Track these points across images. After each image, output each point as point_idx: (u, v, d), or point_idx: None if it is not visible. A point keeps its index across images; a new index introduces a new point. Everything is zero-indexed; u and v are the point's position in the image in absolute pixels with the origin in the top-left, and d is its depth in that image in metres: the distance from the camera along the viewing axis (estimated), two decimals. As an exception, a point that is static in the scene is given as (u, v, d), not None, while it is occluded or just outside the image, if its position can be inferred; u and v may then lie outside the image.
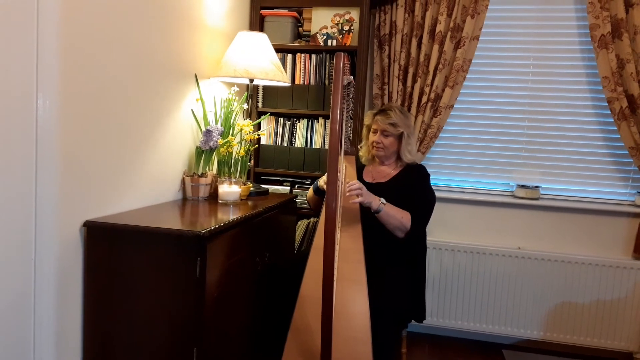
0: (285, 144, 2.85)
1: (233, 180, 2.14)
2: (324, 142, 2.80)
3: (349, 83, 1.82)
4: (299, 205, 2.68)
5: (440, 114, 2.74)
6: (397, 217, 1.97)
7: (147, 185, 1.92)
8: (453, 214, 2.93)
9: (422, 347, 2.83)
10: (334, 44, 2.75)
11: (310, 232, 2.76)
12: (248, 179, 2.42)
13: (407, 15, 2.75)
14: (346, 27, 2.75)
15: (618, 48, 2.55)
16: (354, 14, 2.74)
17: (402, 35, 2.76)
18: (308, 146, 2.82)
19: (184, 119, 2.16)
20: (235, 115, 2.33)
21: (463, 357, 2.74)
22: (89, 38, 1.54)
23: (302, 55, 2.79)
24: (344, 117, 1.97)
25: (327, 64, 2.76)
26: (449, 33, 2.69)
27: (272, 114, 2.86)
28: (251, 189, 2.35)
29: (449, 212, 2.93)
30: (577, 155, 2.81)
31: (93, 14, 1.55)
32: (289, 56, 2.81)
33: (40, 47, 1.38)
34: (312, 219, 2.77)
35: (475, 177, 2.96)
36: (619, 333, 2.69)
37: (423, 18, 2.74)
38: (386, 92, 2.83)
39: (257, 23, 2.80)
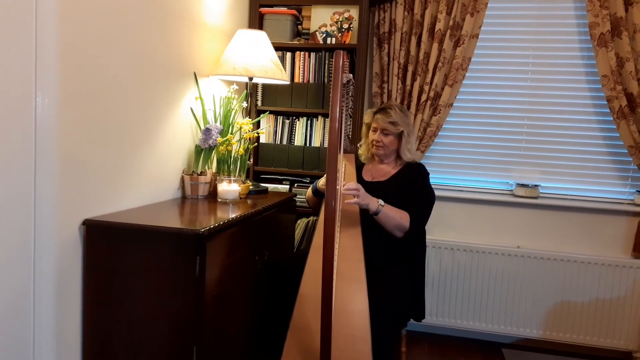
0: (284, 142, 2.85)
1: (232, 178, 2.14)
2: (324, 140, 2.80)
3: (348, 81, 1.81)
4: (298, 203, 2.68)
5: (439, 113, 2.74)
6: (396, 217, 1.97)
7: (147, 183, 1.91)
8: (452, 213, 2.93)
9: (421, 346, 2.83)
10: (333, 42, 2.75)
11: (309, 231, 2.76)
12: (247, 177, 2.41)
13: (406, 13, 2.75)
14: (345, 25, 2.74)
15: (617, 46, 2.55)
16: (354, 12, 2.74)
17: (402, 34, 2.76)
18: (307, 144, 2.81)
19: (183, 117, 2.15)
20: (235, 113, 2.33)
21: (462, 356, 2.74)
22: (88, 37, 1.54)
23: (302, 53, 2.79)
24: (344, 116, 1.96)
25: (327, 62, 2.76)
26: (449, 31, 2.69)
27: (271, 112, 2.86)
28: (250, 187, 2.35)
29: (449, 210, 2.93)
30: (577, 154, 2.81)
31: (92, 12, 1.54)
32: (288, 54, 2.80)
33: (39, 47, 1.37)
34: (311, 218, 2.77)
35: (474, 175, 2.96)
36: (618, 332, 2.70)
37: (422, 16, 2.74)
38: (385, 90, 2.82)
39: (256, 21, 2.80)
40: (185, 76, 2.15)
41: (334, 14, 2.76)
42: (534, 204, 2.84)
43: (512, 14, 2.83)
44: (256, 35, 2.34)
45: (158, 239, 1.53)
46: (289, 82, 2.64)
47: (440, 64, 2.70)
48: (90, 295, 1.59)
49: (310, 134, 2.81)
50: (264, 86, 2.84)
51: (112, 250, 1.56)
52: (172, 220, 1.70)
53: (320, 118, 2.80)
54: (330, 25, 2.77)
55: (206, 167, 2.20)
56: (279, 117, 2.87)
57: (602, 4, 2.54)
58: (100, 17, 1.58)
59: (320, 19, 2.78)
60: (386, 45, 2.80)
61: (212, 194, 2.19)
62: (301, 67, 2.79)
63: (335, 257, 1.42)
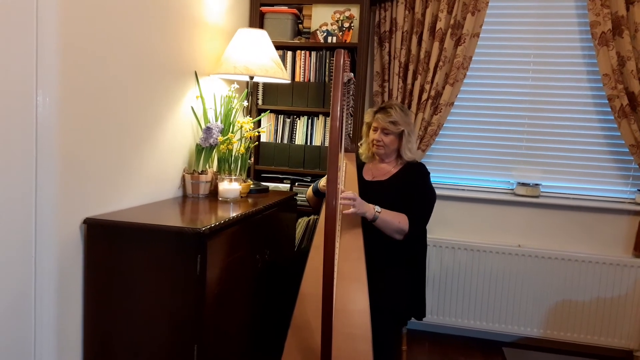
0: (285, 141, 2.85)
1: (233, 177, 2.14)
2: (324, 139, 2.80)
3: (349, 80, 1.81)
4: (299, 202, 2.68)
5: (440, 112, 2.74)
6: (394, 222, 1.97)
7: (147, 182, 1.91)
8: (453, 212, 2.93)
9: (422, 345, 2.83)
10: (334, 41, 2.75)
11: (310, 230, 2.76)
12: (248, 176, 2.42)
13: (407, 12, 2.75)
14: (346, 24, 2.74)
15: (619, 45, 2.55)
16: (354, 11, 2.73)
17: (403, 33, 2.75)
18: (308, 144, 2.81)
19: (184, 116, 2.15)
20: (236, 112, 2.32)
21: (463, 354, 2.74)
22: (89, 36, 1.54)
23: (302, 52, 2.78)
24: (344, 115, 1.96)
25: (327, 61, 2.76)
26: (450, 30, 2.68)
27: (272, 111, 2.86)
28: (251, 186, 2.35)
29: (449, 209, 2.92)
30: (578, 153, 2.80)
31: (92, 12, 1.54)
32: (289, 53, 2.80)
33: (39, 46, 1.37)
34: (312, 217, 2.77)
35: (475, 174, 2.95)
36: (619, 331, 2.70)
37: (423, 15, 2.73)
38: (386, 89, 2.82)
39: (257, 20, 2.80)
40: (185, 75, 2.15)
41: (334, 13, 2.76)
42: (535, 203, 2.84)
43: (513, 13, 2.83)
44: (257, 34, 2.34)
45: (159, 238, 1.53)
46: (289, 81, 2.63)
47: (441, 63, 2.70)
48: (91, 294, 1.59)
49: (311, 133, 2.81)
50: (265, 85, 2.83)
51: (113, 249, 1.56)
52: (173, 219, 1.70)
53: (321, 117, 2.80)
54: (331, 24, 2.76)
55: (207, 166, 2.20)
56: (279, 116, 2.87)
57: (603, 2, 2.54)
58: (101, 17, 1.58)
59: (321, 18, 2.78)
60: (387, 44, 2.80)
61: (213, 193, 2.20)
62: (302, 66, 2.79)
63: (336, 257, 1.42)
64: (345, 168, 2.19)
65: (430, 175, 2.18)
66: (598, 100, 2.74)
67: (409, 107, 2.75)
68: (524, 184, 2.84)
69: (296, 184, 2.83)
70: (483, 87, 2.89)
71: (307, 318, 1.13)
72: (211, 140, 2.14)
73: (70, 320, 1.56)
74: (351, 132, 2.51)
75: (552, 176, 2.86)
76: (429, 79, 2.72)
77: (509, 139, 2.89)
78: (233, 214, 1.79)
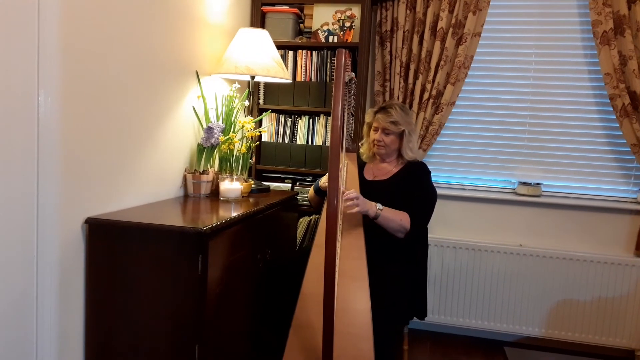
0: (286, 141, 2.85)
1: (234, 177, 2.14)
2: (326, 139, 2.80)
3: (350, 80, 1.81)
4: (300, 202, 2.68)
5: (441, 111, 2.74)
6: (396, 220, 1.97)
7: (149, 182, 1.92)
8: (454, 211, 2.93)
9: (423, 344, 2.83)
10: (335, 40, 2.75)
11: (311, 229, 2.76)
12: (249, 176, 2.42)
13: (408, 11, 2.75)
14: (347, 24, 2.74)
15: (620, 44, 2.54)
16: (356, 11, 2.73)
17: (404, 32, 2.75)
18: (309, 143, 2.81)
19: (186, 116, 2.16)
20: (237, 112, 2.33)
21: (465, 354, 2.74)
22: (90, 36, 1.54)
23: (304, 51, 2.78)
24: (346, 114, 1.96)
25: (329, 60, 2.76)
26: (451, 29, 2.68)
27: (273, 110, 2.86)
28: (252, 186, 2.35)
29: (451, 209, 2.92)
30: (579, 153, 2.80)
31: (94, 12, 1.54)
32: (290, 53, 2.80)
33: (41, 46, 1.37)
34: (313, 216, 2.77)
35: (476, 174, 2.95)
36: (621, 330, 2.69)
37: (424, 14, 2.73)
38: (387, 89, 2.82)
39: (258, 19, 2.80)
40: (187, 75, 2.15)
41: (336, 13, 2.76)
42: (537, 203, 2.83)
43: (515, 12, 2.83)
44: (258, 34, 2.34)
45: (160, 237, 1.53)
46: (291, 81, 2.64)
47: (442, 63, 2.70)
48: (92, 294, 1.59)
49: (312, 132, 2.81)
50: (266, 85, 2.84)
51: (115, 249, 1.57)
52: (174, 219, 1.70)
53: (322, 117, 2.80)
54: (332, 24, 2.76)
55: (208, 166, 2.20)
56: (281, 115, 2.87)
57: (605, 1, 2.53)
58: (102, 17, 1.58)
59: (322, 18, 2.78)
60: (388, 44, 2.80)
61: (214, 193, 2.20)
62: (303, 65, 2.79)
63: (338, 256, 1.42)
64: (347, 168, 2.19)
65: (432, 174, 2.18)
66: (600, 99, 2.73)
67: (410, 106, 2.75)
68: (525, 184, 2.84)
69: (297, 183, 2.83)
70: (484, 87, 2.89)
71: (308, 317, 1.13)
72: (212, 140, 2.14)
73: (71, 319, 1.56)
74: (352, 132, 2.51)
75: (553, 176, 2.85)
76: (430, 78, 2.72)
77: (510, 138, 2.89)
78: (234, 213, 1.79)
